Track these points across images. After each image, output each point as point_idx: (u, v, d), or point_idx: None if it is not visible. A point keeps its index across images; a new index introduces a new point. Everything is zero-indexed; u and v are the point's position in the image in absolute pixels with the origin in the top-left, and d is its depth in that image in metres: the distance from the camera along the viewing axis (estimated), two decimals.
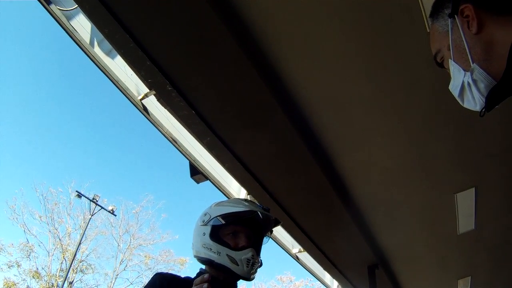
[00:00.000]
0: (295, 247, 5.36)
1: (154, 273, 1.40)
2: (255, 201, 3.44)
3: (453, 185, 3.63)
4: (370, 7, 2.13)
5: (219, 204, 1.53)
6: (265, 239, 1.60)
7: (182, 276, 1.48)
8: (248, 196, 3.71)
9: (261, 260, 1.49)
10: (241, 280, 1.49)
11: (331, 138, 3.09)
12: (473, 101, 0.92)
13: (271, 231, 1.61)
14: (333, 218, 3.99)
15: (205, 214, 1.50)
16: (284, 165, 3.25)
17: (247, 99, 2.65)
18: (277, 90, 2.62)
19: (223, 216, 1.46)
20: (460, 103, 0.99)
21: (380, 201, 3.87)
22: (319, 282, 6.68)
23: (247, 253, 1.41)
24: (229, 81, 2.52)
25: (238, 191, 4.07)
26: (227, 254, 1.39)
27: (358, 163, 3.36)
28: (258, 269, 1.47)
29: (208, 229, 1.45)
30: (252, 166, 3.22)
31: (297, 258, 5.48)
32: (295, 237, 4.34)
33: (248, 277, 1.42)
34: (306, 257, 5.50)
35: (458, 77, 0.93)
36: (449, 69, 0.97)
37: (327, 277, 6.49)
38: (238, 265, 1.38)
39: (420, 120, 2.90)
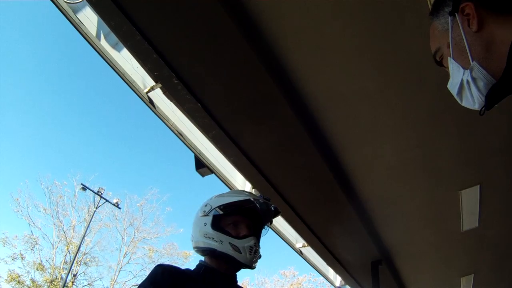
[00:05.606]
0: (299, 242, 5.37)
1: (156, 265, 1.41)
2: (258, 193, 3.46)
3: (458, 182, 3.63)
4: (378, 2, 2.13)
5: (220, 195, 1.56)
6: (264, 230, 1.62)
7: (182, 268, 1.49)
8: (253, 189, 3.73)
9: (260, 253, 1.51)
10: (242, 270, 1.51)
11: (336, 133, 3.08)
12: (472, 100, 0.92)
13: (271, 222, 1.62)
14: (337, 212, 3.99)
15: (206, 205, 1.52)
16: (289, 159, 3.25)
17: (253, 93, 2.65)
18: (283, 84, 2.62)
19: (224, 206, 1.48)
20: (459, 101, 0.99)
21: (384, 197, 3.87)
22: (322, 278, 6.70)
23: (250, 241, 1.43)
24: (235, 74, 2.53)
25: (243, 185, 4.09)
26: (229, 243, 1.41)
27: (363, 158, 3.36)
28: (260, 263, 1.49)
29: (209, 219, 1.46)
30: (257, 159, 3.23)
31: (300, 253, 5.49)
32: (299, 231, 4.35)
33: (251, 265, 1.44)
34: (309, 252, 5.51)
35: (457, 75, 0.93)
36: (448, 68, 0.97)
37: (330, 272, 6.49)
38: (241, 252, 1.40)
39: (425, 116, 2.90)
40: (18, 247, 21.55)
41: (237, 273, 1.52)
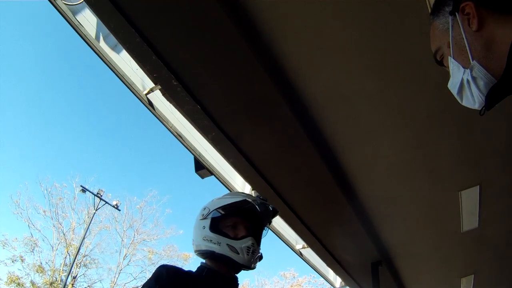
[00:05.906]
0: (299, 243, 5.37)
1: (159, 265, 1.41)
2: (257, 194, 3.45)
3: (458, 182, 3.62)
4: (378, 2, 2.13)
5: (218, 198, 1.58)
6: (264, 231, 1.62)
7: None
8: (253, 191, 3.72)
9: (261, 253, 1.52)
10: (242, 272, 1.51)
11: (335, 133, 3.08)
12: (472, 99, 0.92)
13: (270, 222, 1.63)
14: (336, 213, 3.99)
15: (204, 209, 1.54)
16: (289, 160, 3.25)
17: (253, 94, 2.65)
18: (283, 85, 2.62)
19: (221, 208, 1.50)
20: (459, 101, 0.99)
21: (384, 198, 3.86)
22: (323, 279, 6.69)
23: (247, 242, 1.44)
24: (234, 76, 2.52)
25: (243, 186, 4.08)
26: (227, 244, 1.42)
27: (362, 158, 3.35)
28: (260, 264, 1.49)
29: (207, 222, 1.48)
30: (257, 161, 3.23)
31: (300, 254, 5.49)
32: (298, 232, 4.35)
33: (249, 265, 1.44)
34: (309, 253, 5.51)
35: (457, 74, 0.93)
36: (448, 67, 0.97)
37: (330, 273, 6.50)
38: (238, 253, 1.41)
39: (425, 117, 2.90)
40: (17, 249, 21.52)
41: (238, 275, 1.53)
